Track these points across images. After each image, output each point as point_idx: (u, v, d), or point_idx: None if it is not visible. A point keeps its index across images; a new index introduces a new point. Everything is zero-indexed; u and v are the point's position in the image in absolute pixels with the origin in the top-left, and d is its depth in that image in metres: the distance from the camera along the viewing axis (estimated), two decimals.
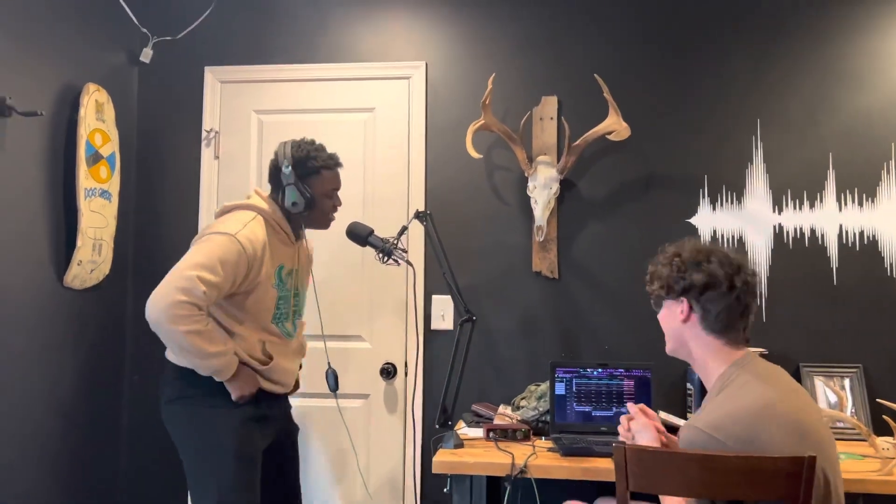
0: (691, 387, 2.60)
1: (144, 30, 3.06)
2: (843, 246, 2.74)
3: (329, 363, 2.56)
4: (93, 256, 2.72)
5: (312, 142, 2.26)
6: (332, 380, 2.53)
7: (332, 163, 2.26)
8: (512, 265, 2.90)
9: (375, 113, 3.02)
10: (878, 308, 2.70)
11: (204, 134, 3.07)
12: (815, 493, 1.50)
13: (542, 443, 2.35)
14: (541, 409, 2.52)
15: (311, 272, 2.45)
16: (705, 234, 2.81)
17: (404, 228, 2.56)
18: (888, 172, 2.74)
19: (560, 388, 2.49)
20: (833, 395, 2.58)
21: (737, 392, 1.61)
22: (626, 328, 2.81)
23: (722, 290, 1.67)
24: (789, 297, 2.75)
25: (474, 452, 2.23)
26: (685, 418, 2.50)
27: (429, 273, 2.91)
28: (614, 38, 2.92)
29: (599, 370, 2.50)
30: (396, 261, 2.44)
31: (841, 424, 2.46)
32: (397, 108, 3.01)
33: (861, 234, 2.74)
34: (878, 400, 2.40)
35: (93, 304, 2.82)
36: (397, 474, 2.91)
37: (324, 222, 2.30)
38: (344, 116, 3.03)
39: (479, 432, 2.43)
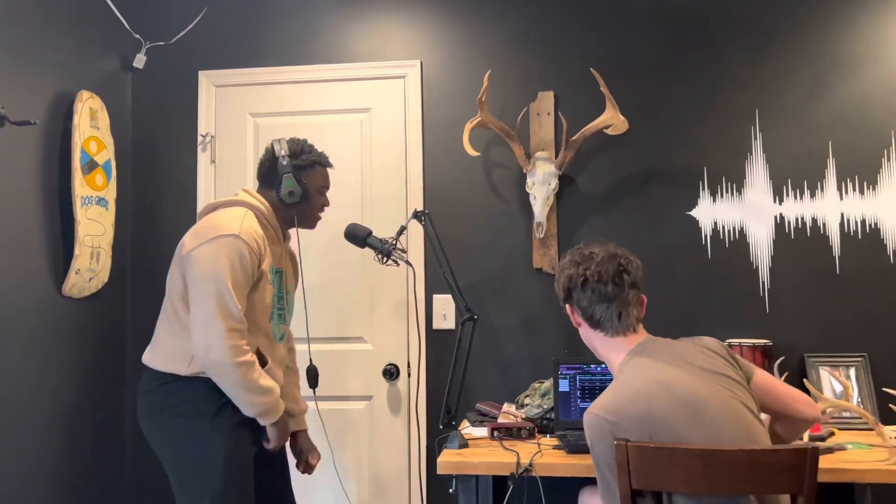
0: None
1: (137, 35, 3.05)
2: (845, 235, 2.73)
3: (311, 360, 2.40)
4: (91, 265, 2.71)
5: (305, 140, 2.27)
6: (312, 377, 2.40)
7: (325, 160, 2.26)
8: (512, 262, 2.88)
9: (371, 113, 3.00)
10: (882, 296, 2.69)
11: (200, 139, 3.06)
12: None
13: (548, 440, 2.33)
14: (545, 407, 2.51)
15: (301, 276, 2.39)
16: (706, 227, 2.79)
17: (403, 228, 2.54)
18: (888, 159, 2.72)
19: (564, 385, 2.48)
20: (838, 385, 2.56)
21: (629, 377, 1.67)
22: None
23: (577, 286, 1.72)
24: (792, 287, 2.73)
25: (479, 452, 2.21)
26: None
27: (429, 273, 2.89)
28: (610, 32, 2.90)
29: (603, 366, 2.49)
30: (396, 261, 2.43)
31: (847, 414, 2.45)
32: (393, 107, 2.99)
33: (863, 222, 2.72)
34: (884, 389, 2.39)
35: (92, 313, 2.81)
36: (402, 476, 2.89)
37: (313, 220, 2.27)
38: (340, 117, 3.02)
39: (483, 431, 2.42)
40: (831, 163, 2.76)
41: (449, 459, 2.14)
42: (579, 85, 2.85)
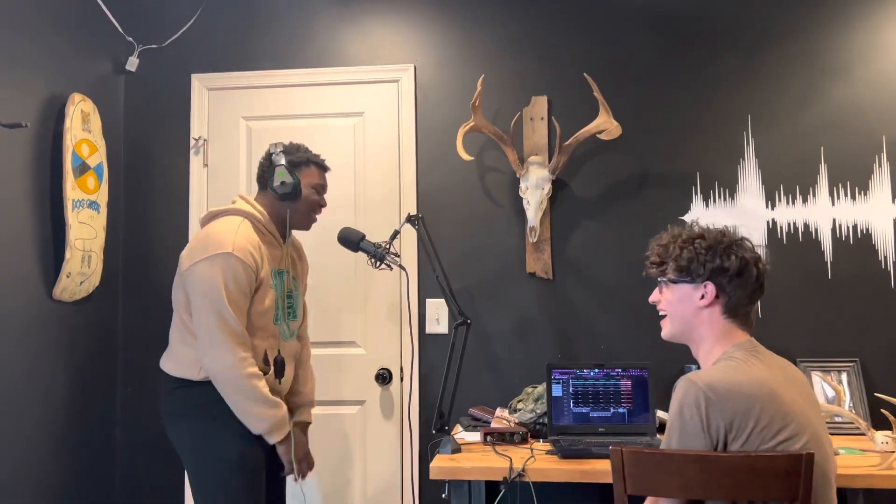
0: None
1: (130, 38, 3.04)
2: (836, 240, 2.74)
3: (279, 351, 2.22)
4: (82, 268, 2.69)
5: (303, 144, 2.33)
6: (279, 368, 2.23)
7: (320, 160, 2.32)
8: (506, 267, 2.88)
9: (365, 117, 3.00)
10: (874, 301, 2.69)
11: (192, 142, 3.05)
12: (814, 494, 1.49)
13: (540, 445, 2.33)
14: (538, 412, 2.50)
15: (306, 273, 2.46)
16: None
17: (396, 233, 2.54)
18: (880, 165, 2.73)
19: (557, 390, 2.47)
20: (831, 390, 2.57)
21: (740, 366, 1.60)
22: (622, 327, 2.80)
23: (752, 276, 1.68)
24: (784, 292, 2.74)
25: (472, 457, 2.21)
26: None
27: (422, 277, 2.89)
28: (603, 37, 2.91)
29: (596, 370, 2.49)
30: (389, 265, 2.42)
31: (839, 419, 2.46)
32: (387, 111, 2.99)
33: (854, 227, 2.73)
34: (876, 394, 2.40)
35: (83, 317, 2.79)
36: (395, 481, 2.88)
37: (307, 220, 2.30)
38: (333, 121, 3.01)
39: (476, 436, 2.41)
40: (823, 168, 2.77)
41: (442, 464, 2.14)
42: (573, 90, 2.85)
